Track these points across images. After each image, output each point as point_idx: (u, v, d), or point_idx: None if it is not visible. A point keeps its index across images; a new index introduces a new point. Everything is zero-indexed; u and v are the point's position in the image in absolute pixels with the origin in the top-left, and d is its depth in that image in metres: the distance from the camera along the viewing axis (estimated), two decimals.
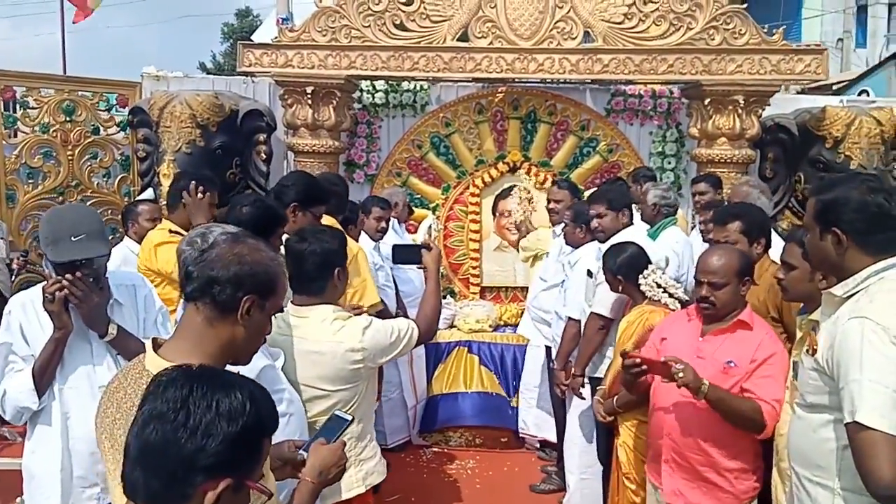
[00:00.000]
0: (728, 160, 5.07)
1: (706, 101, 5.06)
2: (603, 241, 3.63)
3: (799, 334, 2.25)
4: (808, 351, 1.89)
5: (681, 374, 2.34)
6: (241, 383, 1.15)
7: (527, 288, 5.09)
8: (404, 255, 2.86)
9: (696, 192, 4.47)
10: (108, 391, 1.52)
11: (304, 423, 2.20)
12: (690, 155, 5.40)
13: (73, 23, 6.34)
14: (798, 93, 5.68)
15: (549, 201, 4.57)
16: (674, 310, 3.04)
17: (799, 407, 1.96)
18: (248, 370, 1.65)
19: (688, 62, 4.97)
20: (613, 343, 3.39)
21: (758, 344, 2.48)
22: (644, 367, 2.46)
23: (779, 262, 2.63)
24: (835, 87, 7.01)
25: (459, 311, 5.35)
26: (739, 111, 5.03)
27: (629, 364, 2.48)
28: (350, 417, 1.78)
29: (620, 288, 3.29)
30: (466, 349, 5.04)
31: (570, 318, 3.80)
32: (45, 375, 2.24)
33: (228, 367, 1.50)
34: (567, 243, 4.04)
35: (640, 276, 3.20)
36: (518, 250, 5.39)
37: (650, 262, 3.24)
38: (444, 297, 5.68)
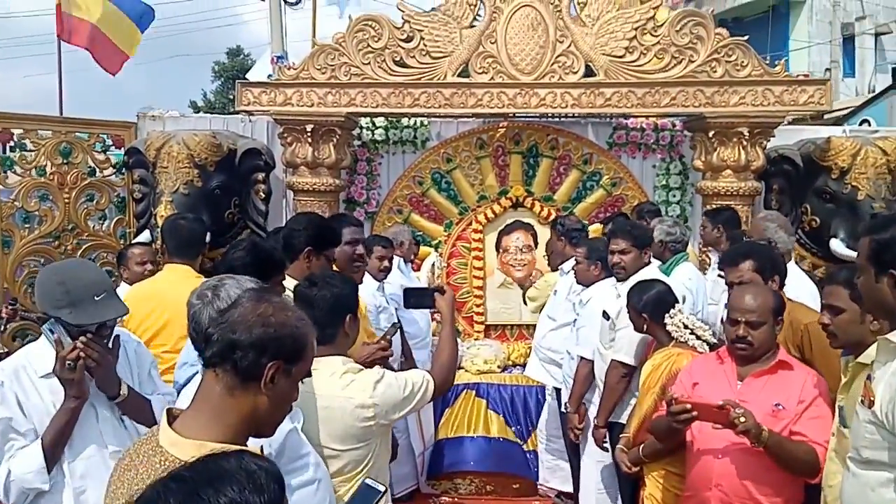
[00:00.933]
0: (734, 193, 5.02)
1: (710, 134, 5.03)
2: (622, 280, 3.52)
3: (844, 378, 2.14)
4: (863, 402, 1.76)
5: (742, 419, 2.22)
6: (241, 482, 0.99)
7: (533, 325, 4.96)
8: (416, 298, 2.75)
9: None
10: (119, 469, 1.38)
11: (331, 488, 2.06)
12: (695, 188, 5.35)
13: (112, 75, 6.24)
14: (788, 123, 5.64)
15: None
16: (701, 353, 2.92)
17: (853, 462, 1.84)
18: (272, 436, 1.52)
19: (690, 95, 4.95)
20: (633, 388, 3.27)
21: (802, 384, 2.38)
22: (694, 412, 2.33)
23: (793, 300, 2.53)
24: (826, 117, 7.00)
25: (466, 351, 5.21)
26: (744, 143, 4.99)
27: (677, 410, 2.35)
28: (383, 488, 1.64)
29: (645, 327, 3.17)
30: (474, 392, 4.87)
31: (582, 358, 3.68)
32: (56, 450, 2.05)
33: (252, 441, 1.37)
34: (578, 281, 3.94)
35: (667, 315, 3.09)
36: (522, 287, 5.28)
37: (677, 302, 3.14)
38: None
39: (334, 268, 3.08)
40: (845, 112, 8.36)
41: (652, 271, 3.53)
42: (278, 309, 1.42)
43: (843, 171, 5.08)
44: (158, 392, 2.29)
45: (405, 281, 4.66)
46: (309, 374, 1.50)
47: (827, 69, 16.14)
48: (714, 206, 4.89)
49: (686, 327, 3.02)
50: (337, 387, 2.19)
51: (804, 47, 16.59)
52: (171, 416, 1.40)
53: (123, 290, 3.85)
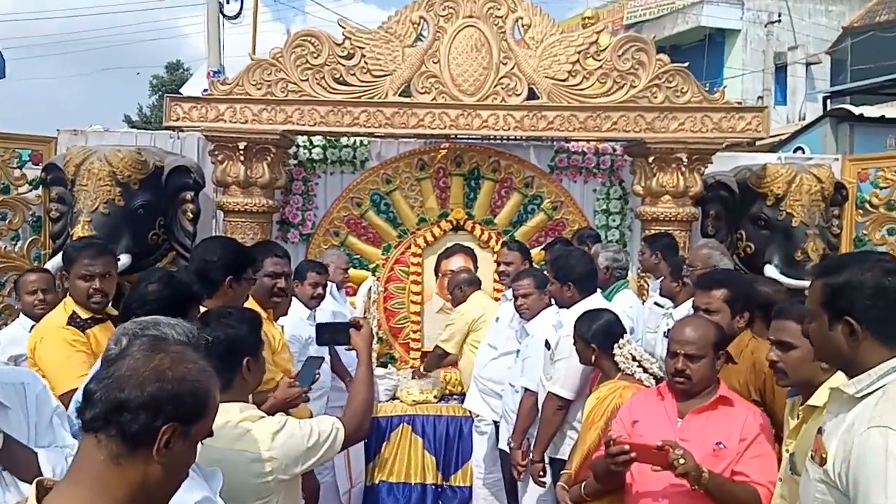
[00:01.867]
0: (672, 218, 5.03)
1: (650, 159, 5.03)
2: (566, 307, 3.41)
3: (792, 422, 2.05)
4: (813, 458, 1.65)
5: (681, 461, 2.11)
6: None
7: None
8: (330, 335, 2.51)
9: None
10: None
11: None
12: (634, 213, 5.34)
13: None
14: (724, 149, 5.72)
15: (498, 263, 4.37)
16: (648, 386, 2.82)
17: None
18: None
19: (631, 120, 4.96)
20: (573, 421, 3.15)
21: (743, 421, 2.29)
22: (633, 454, 2.22)
23: (758, 339, 2.45)
24: (759, 144, 7.14)
25: (402, 380, 5.03)
26: (682, 169, 5.01)
27: (615, 451, 2.23)
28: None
29: (593, 358, 3.05)
30: (410, 427, 4.68)
31: (526, 390, 3.55)
32: None
33: None
34: (519, 313, 3.81)
35: (616, 345, 2.97)
36: None
37: (625, 332, 3.04)
38: (385, 366, 5.36)
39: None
40: (779, 139, 8.56)
41: (596, 300, 3.42)
42: (176, 361, 1.24)
43: (778, 198, 5.13)
44: (56, 444, 2.02)
45: (337, 307, 4.47)
46: (210, 434, 1.32)
47: (759, 97, 16.66)
48: (652, 233, 4.87)
49: (634, 359, 2.92)
50: (230, 438, 1.95)
51: (738, 75, 17.11)
52: (42, 489, 1.18)
53: (23, 321, 3.55)
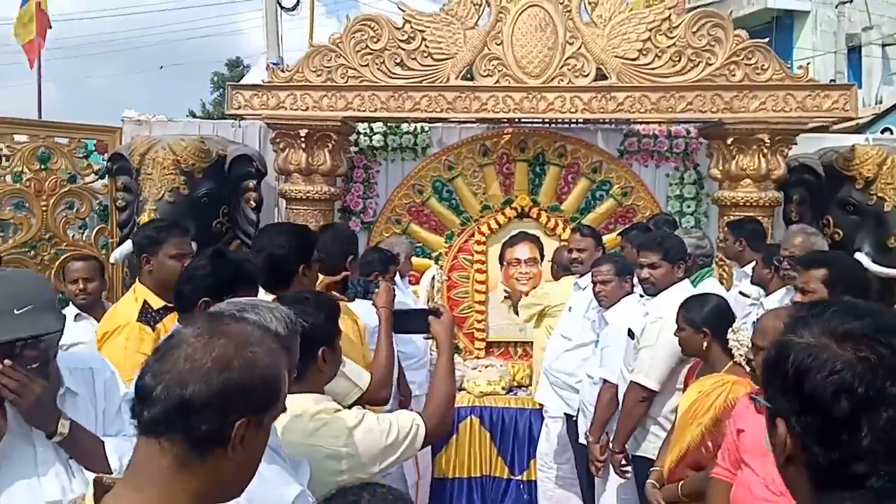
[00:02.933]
0: (753, 203, 4.75)
1: (728, 141, 4.76)
2: (652, 296, 3.19)
3: None
4: None
5: None
6: None
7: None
8: (407, 322, 2.37)
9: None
10: None
11: None
12: (712, 198, 5.08)
13: (30, 67, 6.08)
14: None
15: (570, 250, 4.16)
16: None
17: None
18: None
19: (708, 99, 4.69)
20: (657, 416, 2.94)
21: None
22: None
23: None
24: (841, 126, 6.73)
25: (470, 371, 4.88)
26: (764, 150, 4.73)
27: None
28: None
29: (705, 345, 2.78)
30: (479, 420, 4.53)
31: (605, 382, 3.34)
32: None
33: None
34: (600, 303, 3.60)
35: (730, 330, 2.71)
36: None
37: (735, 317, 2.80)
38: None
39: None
40: (857, 123, 8.09)
41: (685, 288, 3.20)
42: (240, 345, 1.07)
43: (868, 181, 4.85)
44: (124, 433, 1.90)
45: (401, 296, 4.33)
46: (284, 410, 1.17)
47: (832, 80, 15.93)
48: (735, 218, 4.60)
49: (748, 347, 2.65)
50: (304, 432, 1.82)
51: (809, 58, 16.37)
52: (101, 489, 1.05)
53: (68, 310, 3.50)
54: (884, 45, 16.05)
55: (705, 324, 2.75)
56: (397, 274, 4.38)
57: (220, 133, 5.37)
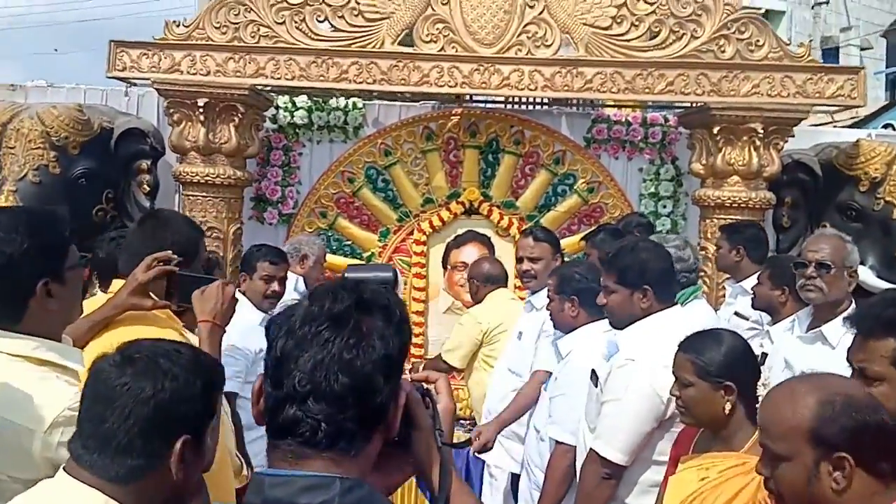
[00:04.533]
0: (741, 204, 4.17)
1: (714, 130, 4.15)
2: (617, 328, 2.30)
3: None
4: None
5: None
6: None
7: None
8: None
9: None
10: None
11: None
12: (692, 197, 4.44)
13: None
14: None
15: (520, 259, 3.33)
16: None
17: None
18: None
19: (692, 79, 4.15)
20: (626, 498, 2.12)
21: None
22: None
23: None
24: (839, 122, 6.16)
25: None
26: (756, 143, 4.15)
27: None
28: None
29: (727, 408, 1.87)
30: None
31: (558, 443, 2.48)
32: None
33: None
34: (555, 326, 2.73)
35: (760, 385, 1.89)
36: None
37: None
38: None
39: None
40: (862, 117, 7.55)
41: (671, 316, 2.31)
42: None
43: (874, 183, 4.30)
44: None
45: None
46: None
47: None
48: (722, 222, 3.96)
49: None
50: None
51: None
52: None
53: None
54: (862, 49, 15.76)
55: (731, 377, 1.87)
56: (300, 279, 3.56)
57: (111, 102, 4.69)
